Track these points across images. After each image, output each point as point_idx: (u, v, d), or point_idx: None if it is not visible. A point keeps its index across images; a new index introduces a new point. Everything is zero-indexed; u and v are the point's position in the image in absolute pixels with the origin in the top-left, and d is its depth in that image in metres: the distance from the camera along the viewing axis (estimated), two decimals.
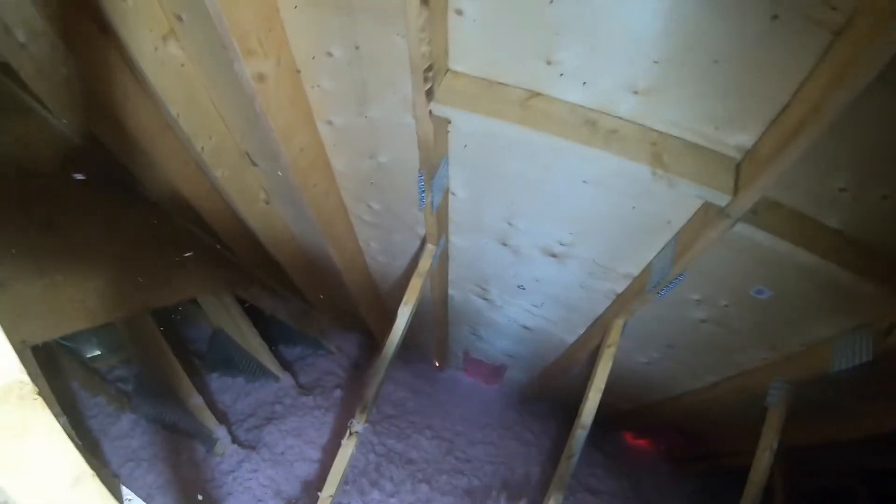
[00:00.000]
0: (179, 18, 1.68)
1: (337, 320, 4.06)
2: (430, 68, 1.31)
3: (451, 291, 2.88)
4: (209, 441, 3.13)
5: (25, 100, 3.06)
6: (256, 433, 3.28)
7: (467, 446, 3.57)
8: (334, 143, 1.96)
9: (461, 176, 1.88)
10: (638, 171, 1.40)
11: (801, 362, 2.09)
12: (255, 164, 2.33)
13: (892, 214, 1.39)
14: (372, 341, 4.17)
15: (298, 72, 1.65)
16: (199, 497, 2.83)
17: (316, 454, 3.18)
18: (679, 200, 1.58)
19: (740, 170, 1.39)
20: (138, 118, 2.22)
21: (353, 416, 2.14)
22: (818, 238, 1.53)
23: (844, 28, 1.05)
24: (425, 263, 2.23)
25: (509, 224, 2.03)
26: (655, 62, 1.24)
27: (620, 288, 2.15)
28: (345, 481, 2.13)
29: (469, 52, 1.40)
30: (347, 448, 2.06)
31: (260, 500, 2.88)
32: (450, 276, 2.71)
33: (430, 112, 1.44)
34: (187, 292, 3.42)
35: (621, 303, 2.17)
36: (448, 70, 1.44)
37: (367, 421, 2.06)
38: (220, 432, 3.13)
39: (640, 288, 2.00)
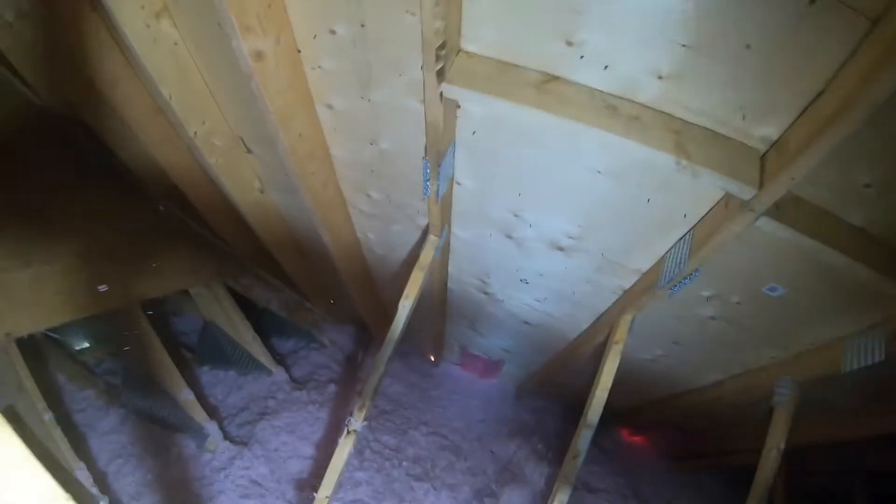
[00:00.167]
0: None
1: (331, 313, 3.99)
2: (442, 46, 1.22)
3: (450, 285, 2.81)
4: (200, 437, 3.05)
5: (13, 82, 2.95)
6: (249, 429, 3.20)
7: (464, 442, 3.52)
8: (334, 128, 1.87)
9: (468, 164, 1.80)
10: (660, 160, 1.33)
11: (810, 361, 2.05)
12: (249, 151, 2.24)
13: None
14: (366, 334, 4.10)
15: (299, 51, 1.56)
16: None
17: (310, 451, 3.11)
18: (698, 193, 1.51)
19: (765, 162, 1.33)
20: (129, 101, 2.12)
21: (348, 413, 2.07)
22: (840, 235, 1.47)
23: (882, 15, 1.00)
24: (427, 255, 2.15)
25: (515, 215, 1.95)
26: (683, 46, 1.17)
27: (628, 283, 2.08)
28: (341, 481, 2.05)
29: (483, 31, 1.31)
30: (345, 447, 1.99)
31: (252, 499, 2.80)
32: (449, 269, 2.64)
33: (441, 94, 1.36)
34: (178, 283, 3.33)
35: (629, 298, 2.11)
36: (460, 50, 1.36)
37: (365, 419, 1.99)
38: (211, 428, 3.05)
39: (649, 284, 1.94)
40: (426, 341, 3.81)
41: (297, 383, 3.59)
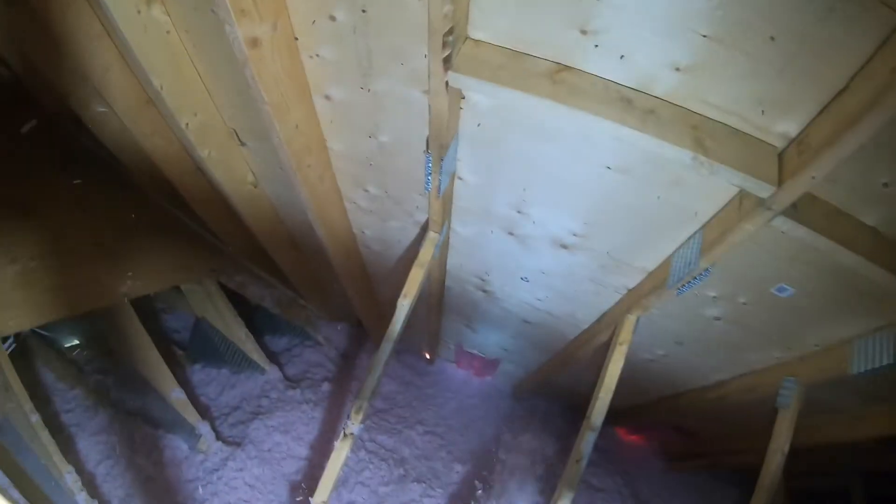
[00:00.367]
0: None
1: (325, 310, 3.93)
2: (450, 32, 1.16)
3: (447, 282, 2.76)
4: (192, 437, 2.99)
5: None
6: (242, 429, 3.14)
7: (461, 441, 3.47)
8: (332, 119, 1.81)
9: (470, 158, 1.74)
10: (673, 155, 1.27)
11: (816, 363, 2.02)
12: (243, 144, 2.17)
13: None
14: (361, 331, 4.05)
15: (296, 39, 1.49)
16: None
17: (304, 451, 3.06)
18: (711, 190, 1.46)
19: (783, 159, 1.28)
20: (119, 91, 2.05)
21: (344, 415, 2.02)
22: (855, 235, 1.43)
23: None
24: (427, 252, 2.09)
25: (519, 212, 1.90)
26: (704, 36, 1.11)
27: (633, 283, 2.04)
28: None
29: (493, 18, 1.25)
30: (341, 451, 1.93)
31: (246, 501, 2.75)
32: (448, 266, 2.58)
33: (447, 83, 1.29)
34: (169, 280, 3.26)
35: (634, 298, 2.07)
36: (467, 38, 1.29)
37: (362, 422, 1.93)
38: (204, 428, 2.98)
39: (656, 283, 1.89)
40: (421, 338, 3.76)
41: (291, 382, 3.53)
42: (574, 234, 1.89)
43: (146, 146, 2.29)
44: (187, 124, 1.96)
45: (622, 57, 1.20)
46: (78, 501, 2.47)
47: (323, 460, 3.01)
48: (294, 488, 2.88)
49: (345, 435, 1.94)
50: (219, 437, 3.07)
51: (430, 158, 1.63)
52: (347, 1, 1.33)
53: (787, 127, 1.24)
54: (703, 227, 1.60)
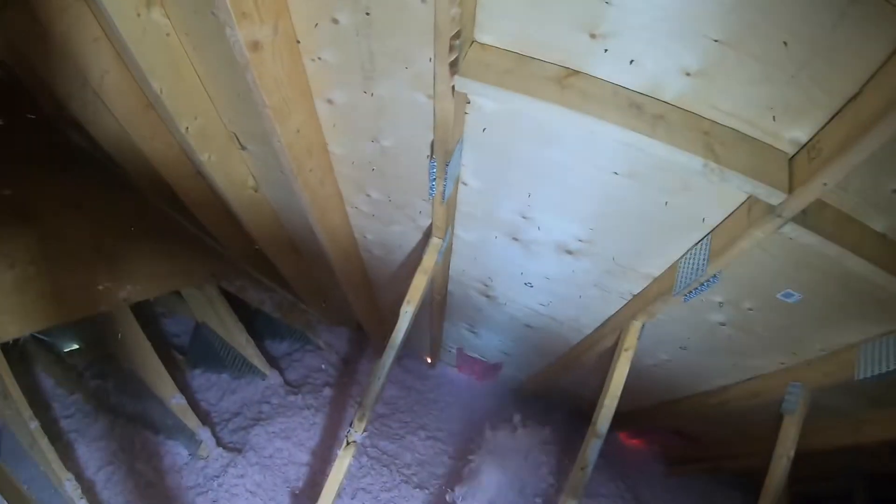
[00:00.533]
0: None
1: (325, 314, 3.90)
2: (457, 35, 1.14)
3: (450, 287, 2.74)
4: (192, 443, 2.96)
5: None
6: (243, 435, 3.11)
7: (463, 446, 3.44)
8: (334, 123, 1.79)
9: (475, 163, 1.72)
10: (682, 161, 1.26)
11: (821, 368, 2.01)
12: (243, 148, 2.15)
13: None
14: (362, 336, 4.03)
15: (298, 42, 1.46)
16: None
17: (305, 457, 3.03)
18: (719, 196, 1.45)
19: (794, 166, 1.26)
20: (118, 94, 2.03)
21: (347, 422, 1.99)
22: (864, 241, 1.42)
23: None
24: (430, 259, 2.07)
25: (523, 217, 1.88)
26: (716, 41, 1.09)
27: (638, 288, 2.02)
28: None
29: (500, 21, 1.23)
30: (344, 459, 1.90)
31: None
32: (450, 271, 2.56)
33: (453, 87, 1.27)
34: (169, 284, 3.23)
35: (639, 304, 2.05)
36: (473, 41, 1.27)
37: (364, 430, 1.91)
38: (204, 434, 2.96)
39: (661, 289, 1.88)
40: (423, 343, 3.73)
41: (292, 387, 3.50)
42: (579, 240, 1.87)
43: (145, 150, 2.27)
44: (187, 128, 1.93)
45: (632, 61, 1.18)
46: None
47: (325, 466, 3.00)
48: (296, 495, 2.85)
49: (348, 443, 1.92)
50: (219, 443, 3.04)
51: (435, 164, 1.61)
52: (351, 3, 1.31)
53: (798, 133, 1.22)
54: (711, 233, 1.58)
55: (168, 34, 1.69)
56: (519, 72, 1.24)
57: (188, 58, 1.78)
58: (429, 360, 4.05)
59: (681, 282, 1.69)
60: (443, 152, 1.54)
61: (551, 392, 3.68)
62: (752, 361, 2.21)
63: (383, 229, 2.36)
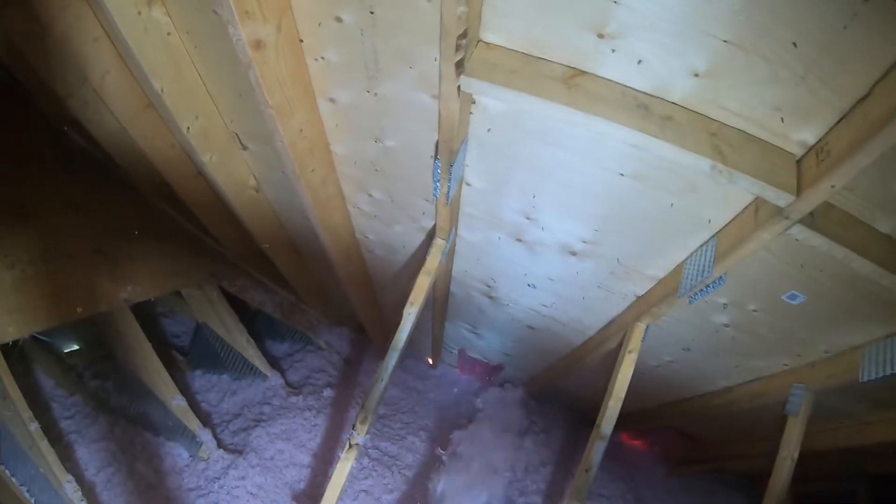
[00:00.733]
0: None
1: (327, 315, 3.89)
2: (463, 35, 1.13)
3: (452, 288, 2.73)
4: (193, 444, 2.94)
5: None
6: (244, 436, 3.10)
7: (465, 448, 3.43)
8: (336, 123, 1.77)
9: (479, 163, 1.70)
10: (689, 162, 1.25)
11: (825, 370, 2.00)
12: (245, 148, 2.13)
13: None
14: (363, 337, 4.01)
15: (301, 41, 1.45)
16: None
17: (307, 459, 3.02)
18: (727, 198, 1.44)
19: (802, 168, 1.25)
20: (119, 94, 2.02)
21: (347, 421, 1.98)
22: (870, 243, 1.41)
23: None
24: (434, 260, 2.06)
25: (528, 218, 1.87)
26: (724, 41, 1.08)
27: (643, 290, 2.01)
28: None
29: (506, 20, 1.22)
30: (347, 462, 1.89)
31: None
32: (453, 272, 2.55)
33: (459, 87, 1.26)
34: (170, 285, 3.21)
35: (643, 306, 2.04)
36: (479, 41, 1.26)
37: (367, 433, 1.90)
38: (205, 435, 2.94)
39: (665, 291, 1.87)
40: (424, 343, 3.72)
41: (293, 388, 3.49)
42: (584, 241, 1.86)
43: (146, 150, 2.25)
44: (188, 128, 1.92)
45: (640, 62, 1.17)
46: None
47: (326, 468, 2.98)
48: (297, 497, 2.84)
49: (350, 445, 1.91)
50: (220, 444, 3.02)
51: (439, 164, 1.60)
52: (355, 2, 1.30)
53: (806, 135, 1.21)
54: (717, 234, 1.57)
55: (169, 33, 1.67)
56: (525, 72, 1.23)
57: (189, 57, 1.77)
58: (430, 362, 4.04)
59: (686, 283, 1.68)
60: (447, 153, 1.53)
61: (554, 394, 3.68)
62: (756, 363, 2.20)
63: (385, 230, 2.35)
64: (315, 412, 3.31)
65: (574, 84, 1.21)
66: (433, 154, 1.66)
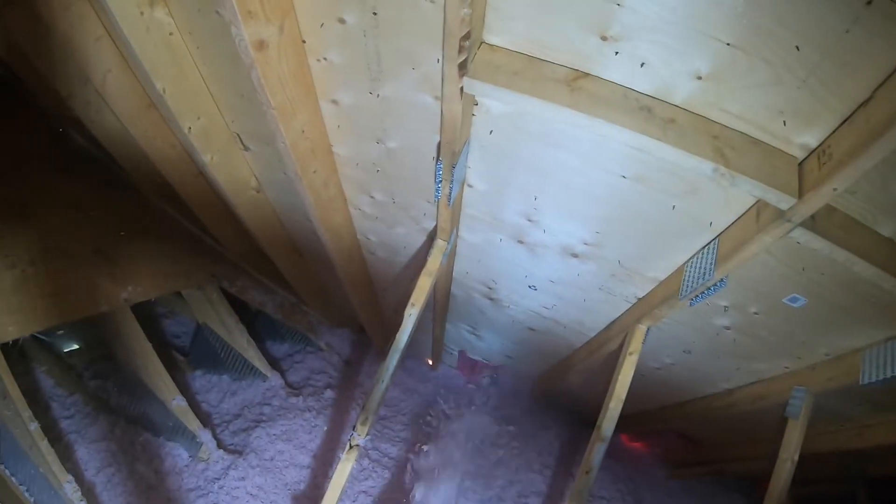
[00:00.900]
0: None
1: (327, 316, 3.89)
2: (467, 36, 1.13)
3: (453, 290, 2.72)
4: (193, 445, 2.94)
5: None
6: (244, 437, 3.10)
7: (465, 449, 3.43)
8: (338, 124, 1.77)
9: (481, 165, 1.70)
10: (691, 165, 1.25)
11: (826, 372, 2.00)
12: (246, 149, 2.13)
13: None
14: (363, 338, 4.01)
15: (303, 42, 1.45)
16: None
17: (307, 460, 3.02)
18: (728, 201, 1.44)
19: (804, 171, 1.25)
20: (120, 94, 2.02)
21: (348, 422, 1.98)
22: (871, 246, 1.41)
23: None
24: (435, 261, 2.06)
25: (529, 220, 1.87)
26: (728, 44, 1.08)
27: (644, 292, 2.01)
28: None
29: (510, 22, 1.22)
30: (347, 463, 1.89)
31: None
32: (454, 273, 2.55)
33: (462, 89, 1.26)
34: (170, 285, 3.21)
35: (643, 308, 2.04)
36: (482, 43, 1.26)
37: (367, 434, 1.90)
38: (205, 436, 2.94)
39: (666, 293, 1.87)
40: (424, 345, 3.72)
41: (294, 389, 3.48)
42: (585, 243, 1.86)
43: (147, 150, 2.25)
44: (190, 128, 1.92)
45: (642, 64, 1.17)
46: None
47: (326, 469, 2.98)
48: (297, 498, 2.83)
49: (350, 446, 1.91)
50: (220, 445, 3.02)
51: (441, 166, 1.60)
52: (358, 3, 1.30)
53: (808, 138, 1.21)
54: (719, 237, 1.57)
55: (171, 33, 1.67)
56: (528, 74, 1.23)
57: (191, 57, 1.77)
58: (430, 363, 4.04)
59: (687, 286, 1.68)
60: (450, 154, 1.53)
61: (555, 396, 3.67)
62: (757, 365, 2.20)
63: (387, 231, 2.35)
64: (315, 413, 3.31)
65: (577, 86, 1.21)
66: (435, 155, 1.66)
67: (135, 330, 2.97)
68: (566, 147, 1.47)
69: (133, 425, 3.04)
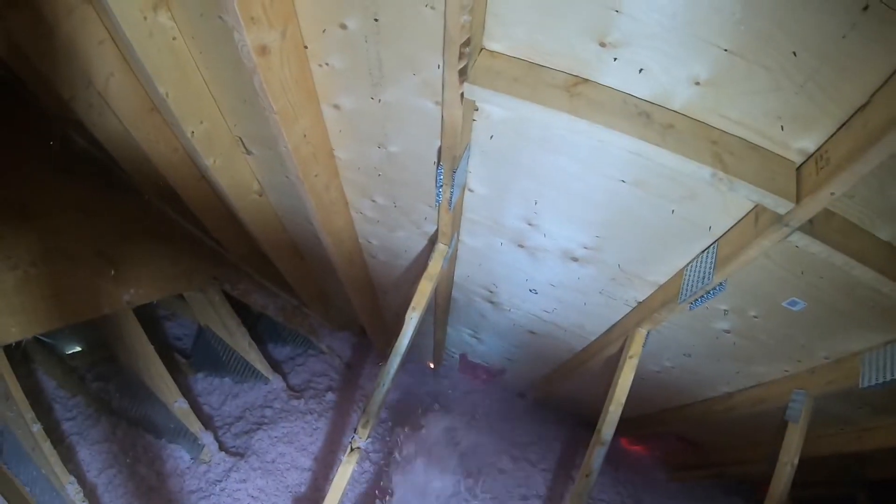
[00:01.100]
0: None
1: (329, 318, 3.89)
2: (467, 43, 1.14)
3: (454, 293, 2.73)
4: (195, 447, 2.95)
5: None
6: (245, 439, 3.10)
7: (466, 452, 3.43)
8: (340, 129, 1.78)
9: (481, 169, 1.71)
10: (690, 170, 1.25)
11: (825, 376, 2.00)
12: (248, 153, 2.14)
13: None
14: (365, 340, 4.02)
15: (305, 47, 1.46)
16: None
17: (308, 462, 3.02)
18: (726, 205, 1.44)
19: (801, 175, 1.26)
20: (123, 97, 2.04)
21: (349, 425, 1.99)
22: (870, 250, 1.42)
23: None
24: (436, 265, 2.06)
25: (529, 224, 1.88)
26: (725, 50, 1.09)
27: (643, 296, 2.02)
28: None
29: (509, 28, 1.23)
30: (348, 465, 1.90)
31: None
32: (455, 277, 2.56)
33: (462, 95, 1.27)
34: (172, 287, 3.22)
35: (643, 311, 2.04)
36: (482, 49, 1.27)
37: (369, 436, 1.90)
38: (207, 438, 2.95)
39: (666, 296, 1.87)
40: (426, 348, 3.73)
41: (295, 392, 3.49)
42: (585, 247, 1.87)
43: (150, 153, 2.27)
44: (192, 132, 1.93)
45: (641, 70, 1.18)
46: None
47: (327, 471, 2.99)
48: (298, 500, 2.84)
49: (351, 449, 1.92)
50: (222, 447, 3.03)
51: (442, 170, 1.61)
52: (359, 9, 1.31)
53: (806, 143, 1.21)
54: (718, 241, 1.58)
55: (174, 37, 1.68)
56: (527, 79, 1.24)
57: (194, 61, 1.78)
58: (431, 366, 4.04)
59: (686, 289, 1.69)
60: (450, 159, 1.54)
61: (555, 400, 3.67)
62: (757, 369, 2.21)
63: (388, 235, 2.36)
64: (316, 416, 3.31)
65: (576, 92, 1.22)
66: (436, 160, 1.67)
67: (137, 332, 2.98)
68: (566, 152, 1.48)
69: (135, 427, 3.05)
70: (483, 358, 3.59)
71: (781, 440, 2.17)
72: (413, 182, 1.87)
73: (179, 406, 2.96)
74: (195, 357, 3.57)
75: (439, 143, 1.59)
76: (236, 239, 2.92)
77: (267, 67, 1.38)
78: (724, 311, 1.89)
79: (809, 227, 1.34)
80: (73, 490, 2.44)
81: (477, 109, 1.46)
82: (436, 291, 2.51)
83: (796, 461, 2.12)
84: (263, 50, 1.34)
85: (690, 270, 1.70)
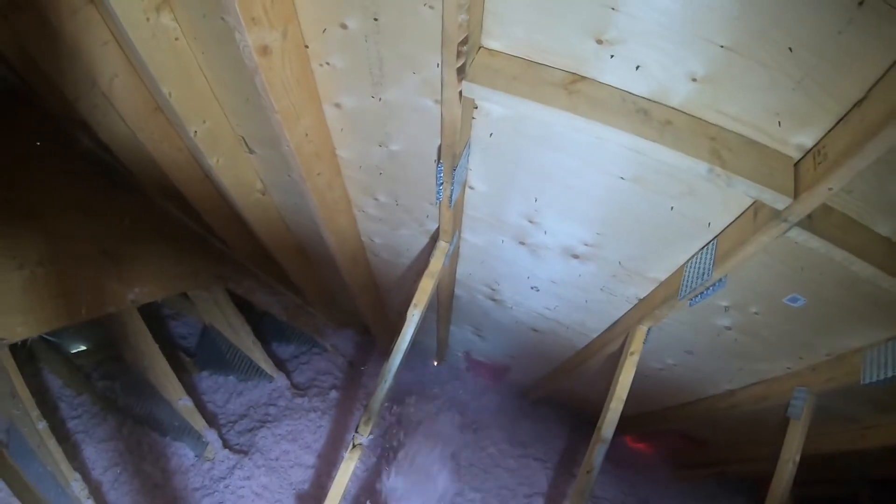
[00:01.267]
0: None
1: (332, 317, 3.91)
2: (465, 41, 1.15)
3: (457, 291, 2.74)
4: (199, 445, 2.97)
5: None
6: (249, 437, 3.12)
7: (468, 450, 3.44)
8: (342, 128, 1.79)
9: (482, 167, 1.72)
10: (688, 166, 1.26)
11: (827, 373, 2.00)
12: (251, 152, 2.16)
13: None
14: (368, 339, 4.03)
15: (306, 47, 1.48)
16: None
17: (312, 459, 3.04)
18: (725, 201, 1.45)
19: (799, 171, 1.26)
20: (126, 98, 2.05)
21: (352, 423, 2.00)
22: (869, 245, 1.42)
23: None
24: (437, 262, 2.08)
25: (530, 222, 1.88)
26: (722, 46, 1.10)
27: (644, 293, 2.02)
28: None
29: (507, 27, 1.24)
30: (350, 462, 1.91)
31: None
32: (457, 275, 2.57)
33: (461, 93, 1.28)
34: (177, 286, 3.24)
35: (644, 308, 2.05)
36: (481, 47, 1.28)
37: (371, 433, 1.92)
38: (211, 435, 2.97)
39: (666, 293, 1.88)
40: (429, 346, 3.74)
41: (299, 390, 3.51)
42: (585, 244, 1.87)
43: (154, 153, 2.28)
44: (196, 132, 1.95)
45: (638, 67, 1.19)
46: None
47: (330, 469, 3.00)
48: (301, 497, 2.85)
49: (354, 446, 1.93)
50: (226, 445, 3.05)
51: (442, 168, 1.62)
52: (359, 9, 1.32)
53: (803, 138, 1.22)
54: (717, 237, 1.58)
55: (177, 38, 1.70)
56: (526, 77, 1.25)
57: (197, 62, 1.80)
58: (435, 363, 4.05)
59: (686, 286, 1.70)
60: (450, 157, 1.55)
61: (558, 396, 3.68)
62: (758, 366, 2.21)
63: (390, 233, 2.37)
64: (320, 413, 3.33)
65: (574, 90, 1.23)
66: (437, 158, 1.68)
67: (142, 331, 3.00)
68: (565, 149, 1.49)
69: (140, 425, 3.07)
70: (486, 356, 3.60)
71: (783, 438, 2.17)
72: (415, 180, 1.89)
73: (184, 404, 2.97)
74: (200, 355, 3.59)
75: (440, 142, 1.60)
76: (240, 238, 2.94)
77: (268, 67, 1.40)
78: (725, 307, 1.89)
79: (808, 223, 1.34)
80: (77, 487, 2.46)
81: (476, 107, 1.47)
82: (439, 289, 2.53)
83: (798, 458, 2.12)
84: (265, 50, 1.35)
85: (690, 267, 1.71)
